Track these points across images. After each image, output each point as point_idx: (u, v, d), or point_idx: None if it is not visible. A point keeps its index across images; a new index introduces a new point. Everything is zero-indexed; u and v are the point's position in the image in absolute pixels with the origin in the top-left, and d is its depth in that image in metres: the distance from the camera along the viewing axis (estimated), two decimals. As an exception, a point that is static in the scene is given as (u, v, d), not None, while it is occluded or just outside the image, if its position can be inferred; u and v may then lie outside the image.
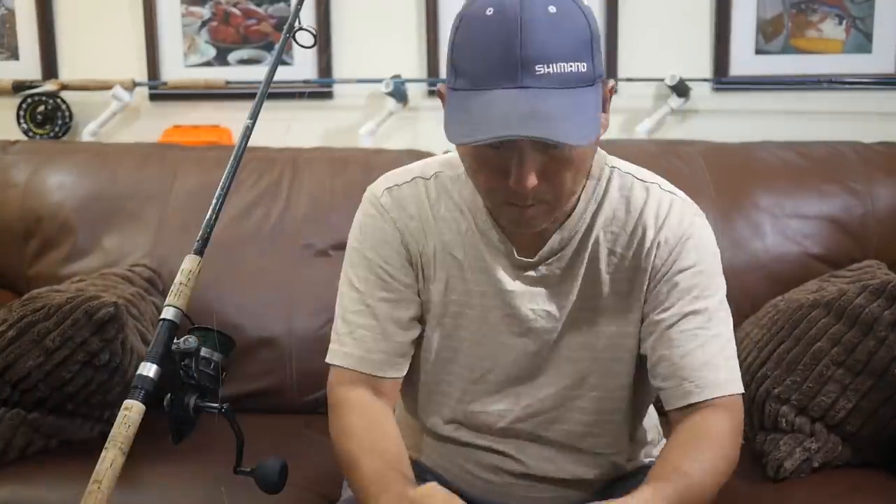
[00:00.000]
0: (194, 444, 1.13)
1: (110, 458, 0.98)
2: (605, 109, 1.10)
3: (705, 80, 2.34)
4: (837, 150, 2.05)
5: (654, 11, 2.35)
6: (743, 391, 1.17)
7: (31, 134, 2.52)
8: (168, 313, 1.08)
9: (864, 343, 1.46)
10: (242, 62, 2.52)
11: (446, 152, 1.31)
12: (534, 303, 1.20)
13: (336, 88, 2.48)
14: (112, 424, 1.01)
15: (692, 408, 1.14)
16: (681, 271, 1.16)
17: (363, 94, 2.46)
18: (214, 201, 1.17)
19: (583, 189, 1.18)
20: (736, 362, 1.18)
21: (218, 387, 1.09)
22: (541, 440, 1.25)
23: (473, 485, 1.30)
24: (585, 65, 1.02)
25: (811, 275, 1.88)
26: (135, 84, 2.50)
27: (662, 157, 1.99)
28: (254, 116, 1.24)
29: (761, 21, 2.32)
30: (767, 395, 1.54)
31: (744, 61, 2.33)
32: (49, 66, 2.58)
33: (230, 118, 2.49)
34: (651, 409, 1.36)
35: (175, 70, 2.53)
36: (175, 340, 1.07)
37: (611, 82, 1.11)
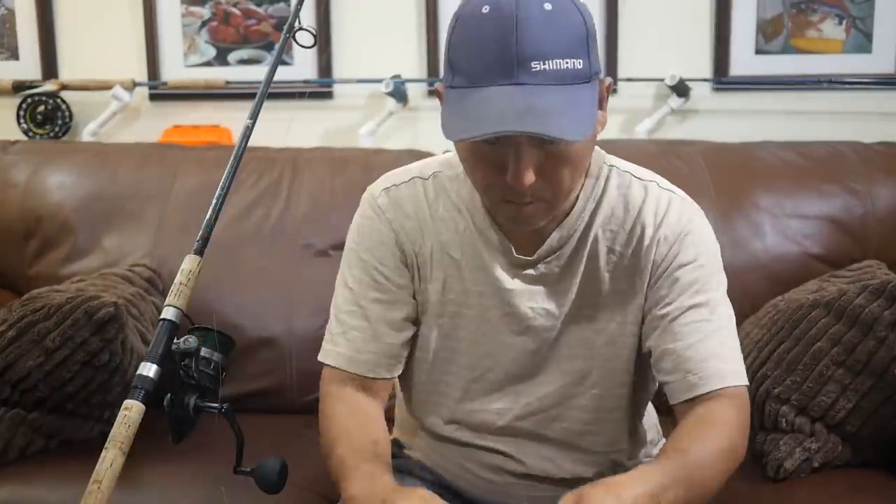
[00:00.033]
0: (194, 444, 1.13)
1: (110, 458, 0.98)
2: (602, 107, 1.10)
3: (705, 80, 2.34)
4: (837, 150, 2.05)
5: (654, 11, 2.35)
6: (748, 384, 1.17)
7: (31, 134, 2.52)
8: (168, 313, 1.08)
9: (864, 343, 1.46)
10: (242, 62, 2.52)
11: (446, 152, 1.31)
12: (533, 301, 1.21)
13: (336, 88, 2.48)
14: (112, 424, 1.01)
15: (697, 399, 1.14)
16: (681, 266, 1.17)
17: (363, 94, 2.46)
18: (214, 201, 1.17)
19: (581, 187, 1.18)
20: (740, 355, 1.18)
21: (218, 387, 1.09)
22: (540, 439, 1.25)
23: (474, 485, 1.30)
24: (581, 62, 1.02)
25: (811, 275, 1.88)
26: (135, 84, 2.50)
27: (662, 157, 1.99)
28: (254, 116, 1.24)
29: (761, 21, 2.32)
30: (767, 395, 1.54)
31: (744, 61, 2.33)
32: (49, 66, 2.58)
33: (230, 118, 2.49)
34: (650, 409, 1.36)
35: (175, 70, 2.53)
36: (175, 340, 1.07)
37: (608, 80, 1.11)
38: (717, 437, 1.11)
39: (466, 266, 1.22)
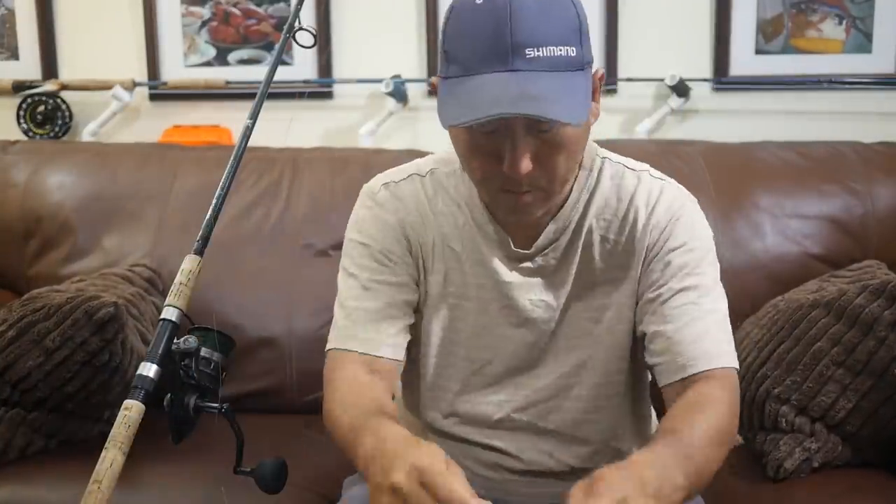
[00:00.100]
0: (194, 444, 1.13)
1: (110, 458, 0.98)
2: (595, 98, 1.11)
3: (705, 80, 2.34)
4: (837, 150, 2.05)
5: (654, 11, 2.35)
6: (738, 367, 1.17)
7: (31, 134, 2.52)
8: (168, 313, 1.08)
9: (864, 343, 1.46)
10: (242, 62, 2.52)
11: (446, 152, 1.32)
12: (531, 293, 1.21)
13: (336, 88, 2.48)
14: (112, 424, 1.01)
15: (687, 381, 1.14)
16: (672, 250, 1.18)
17: (363, 94, 2.46)
18: (214, 201, 1.17)
19: (575, 179, 1.19)
20: (731, 338, 1.18)
21: (218, 387, 1.09)
22: (539, 431, 1.26)
23: (472, 482, 1.29)
24: (574, 49, 1.04)
25: (811, 275, 1.88)
26: (135, 84, 2.50)
27: (662, 157, 1.99)
28: (254, 116, 1.24)
29: (761, 21, 2.32)
30: (767, 395, 1.54)
31: (744, 61, 2.33)
32: (49, 66, 2.58)
33: (230, 118, 2.49)
34: (644, 414, 1.36)
35: (175, 70, 2.53)
36: (175, 340, 1.07)
37: (600, 71, 1.12)
38: (707, 417, 1.09)
39: (467, 259, 1.23)
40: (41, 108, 2.52)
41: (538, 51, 1.01)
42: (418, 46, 2.43)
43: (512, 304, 1.22)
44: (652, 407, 1.37)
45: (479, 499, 0.92)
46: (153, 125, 2.53)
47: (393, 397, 1.29)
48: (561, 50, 1.02)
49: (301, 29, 1.31)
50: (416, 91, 2.43)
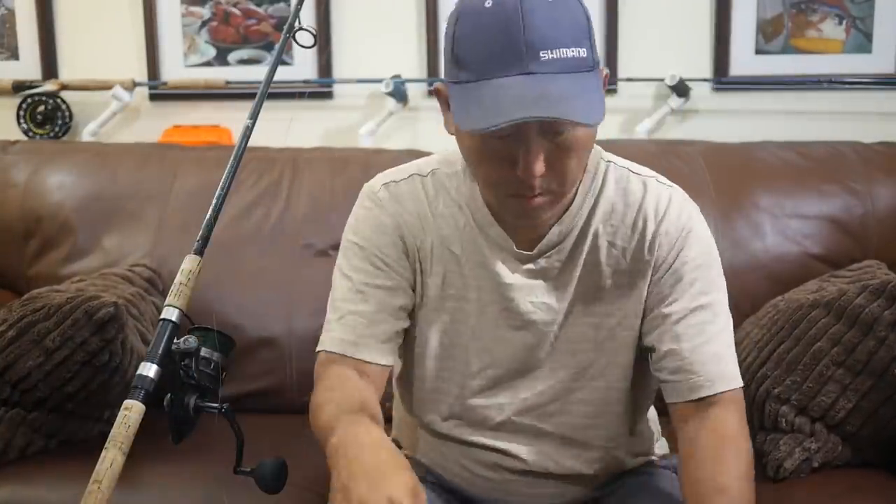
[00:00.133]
0: (194, 444, 1.13)
1: (110, 458, 0.98)
2: None
3: (705, 80, 2.34)
4: (837, 150, 2.05)
5: (654, 11, 2.35)
6: (743, 385, 1.19)
7: (31, 134, 2.52)
8: (168, 313, 1.08)
9: (864, 343, 1.46)
10: (242, 62, 2.52)
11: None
12: (533, 295, 1.21)
13: (336, 88, 2.48)
14: (112, 424, 1.01)
15: (700, 402, 1.15)
16: (684, 264, 1.18)
17: (363, 94, 2.46)
18: (214, 201, 1.17)
19: (580, 182, 1.19)
20: (735, 355, 1.20)
21: (218, 387, 1.09)
22: (539, 434, 1.26)
23: (473, 483, 1.30)
24: (585, 50, 1.04)
25: (811, 275, 1.88)
26: (135, 84, 2.50)
27: (662, 157, 1.99)
28: (254, 116, 1.24)
29: (761, 21, 2.32)
30: (767, 395, 1.54)
31: (744, 61, 2.33)
32: (49, 66, 2.58)
33: (230, 118, 2.49)
34: (646, 417, 1.36)
35: (175, 70, 2.53)
36: (175, 340, 1.07)
37: (605, 70, 1.12)
38: (739, 457, 1.13)
39: (466, 262, 1.22)
40: (41, 108, 2.52)
41: (552, 53, 1.01)
42: (418, 46, 2.43)
43: (512, 306, 1.21)
44: (654, 406, 1.37)
45: None
46: (153, 125, 2.52)
47: (386, 401, 1.29)
48: (573, 51, 1.02)
49: (301, 29, 1.31)
50: (416, 91, 2.43)
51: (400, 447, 1.38)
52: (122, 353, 1.67)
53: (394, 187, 1.25)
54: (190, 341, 1.07)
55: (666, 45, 2.35)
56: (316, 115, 2.48)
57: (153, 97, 2.56)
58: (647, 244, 1.19)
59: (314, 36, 1.32)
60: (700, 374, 1.15)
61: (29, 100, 2.51)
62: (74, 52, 2.59)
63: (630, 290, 1.21)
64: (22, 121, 2.52)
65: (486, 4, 1.03)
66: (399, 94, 2.37)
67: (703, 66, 2.35)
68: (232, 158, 1.19)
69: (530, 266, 1.21)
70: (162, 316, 1.08)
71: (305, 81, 2.44)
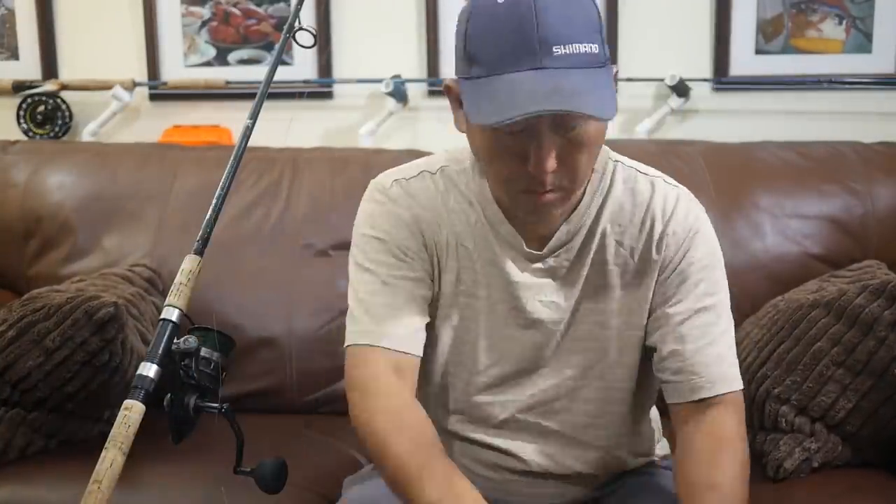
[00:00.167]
0: (194, 444, 1.13)
1: (110, 458, 0.98)
2: None
3: (705, 80, 2.33)
4: (837, 150, 2.05)
5: (654, 11, 2.35)
6: (743, 387, 1.20)
7: (31, 134, 2.52)
8: (168, 313, 1.08)
9: (863, 343, 1.46)
10: (242, 62, 2.52)
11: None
12: (541, 294, 1.21)
13: (336, 88, 2.48)
14: (112, 424, 1.01)
15: (701, 403, 1.16)
16: (691, 264, 1.19)
17: (363, 94, 2.46)
18: (214, 201, 1.17)
19: (588, 181, 1.19)
20: (736, 357, 1.21)
21: (218, 387, 1.09)
22: (542, 433, 1.26)
23: (473, 482, 1.30)
24: (597, 46, 1.05)
25: (811, 275, 1.88)
26: (135, 84, 2.50)
27: (662, 157, 1.99)
28: (254, 116, 1.24)
29: (761, 21, 2.31)
30: (767, 395, 1.54)
31: (744, 61, 2.33)
32: (49, 66, 2.58)
33: (230, 118, 2.49)
34: (649, 417, 1.36)
35: (175, 70, 2.53)
36: (175, 340, 1.07)
37: (615, 67, 1.13)
38: (734, 458, 1.14)
39: (479, 258, 1.22)
40: (41, 108, 2.52)
41: (565, 48, 1.02)
42: (418, 46, 2.43)
43: (520, 305, 1.21)
44: (655, 407, 1.37)
45: None
46: (153, 125, 2.52)
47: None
48: (585, 47, 1.03)
49: (301, 29, 1.31)
50: (416, 91, 2.43)
51: None
52: (122, 353, 1.67)
53: (405, 184, 1.24)
54: (190, 341, 1.07)
55: (666, 45, 2.35)
56: (316, 115, 2.48)
57: (153, 97, 2.56)
58: (654, 244, 1.19)
59: (314, 36, 1.32)
60: (702, 376, 1.16)
61: (29, 100, 2.51)
62: (74, 52, 2.59)
63: (638, 290, 1.21)
64: (22, 121, 2.52)
65: (499, 0, 1.04)
66: (399, 94, 2.37)
67: (703, 66, 2.34)
68: (232, 158, 1.19)
69: (539, 265, 1.21)
70: (162, 316, 1.08)
71: (305, 81, 2.44)
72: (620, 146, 1.35)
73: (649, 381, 1.27)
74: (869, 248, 1.94)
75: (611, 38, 2.34)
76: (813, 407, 1.50)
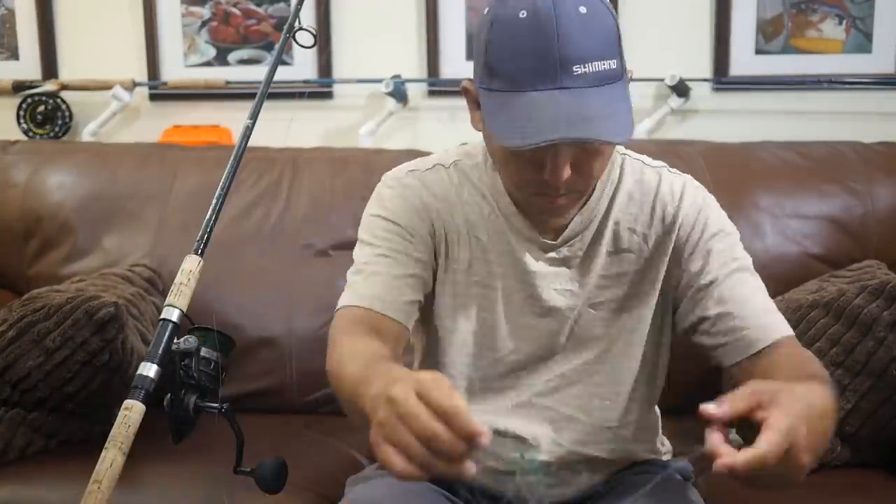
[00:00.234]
0: (194, 444, 1.13)
1: (110, 458, 0.98)
2: None
3: (705, 80, 2.34)
4: (837, 150, 2.05)
5: (654, 11, 2.35)
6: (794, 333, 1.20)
7: (31, 134, 2.52)
8: (168, 313, 1.08)
9: (863, 343, 1.46)
10: (242, 62, 2.52)
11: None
12: (557, 283, 1.24)
13: (336, 88, 2.48)
14: (112, 424, 1.01)
15: (760, 354, 1.16)
16: (711, 238, 1.22)
17: (363, 94, 2.46)
18: (214, 201, 1.17)
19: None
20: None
21: (218, 387, 1.09)
22: (553, 419, 1.26)
23: (483, 469, 1.29)
24: (615, 62, 1.07)
25: (811, 275, 1.88)
26: (135, 84, 2.50)
27: (662, 157, 1.94)
28: (254, 116, 1.24)
29: (761, 21, 2.32)
30: (767, 395, 1.54)
31: (744, 61, 2.33)
32: (49, 66, 2.58)
33: (230, 118, 2.49)
34: (655, 408, 1.36)
35: (175, 70, 2.53)
36: (175, 340, 1.07)
37: (631, 71, 1.14)
38: (817, 370, 1.12)
39: (492, 249, 1.24)
40: (41, 108, 2.52)
41: (584, 67, 1.04)
42: (418, 46, 2.43)
43: (536, 294, 1.23)
44: (657, 406, 1.37)
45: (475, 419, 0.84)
46: (153, 125, 2.53)
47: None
48: (604, 64, 1.05)
49: (301, 29, 1.31)
50: (416, 91, 2.43)
51: None
52: (122, 353, 1.67)
53: (420, 175, 1.26)
54: (190, 341, 1.07)
55: (666, 45, 2.35)
56: (316, 115, 2.48)
57: (153, 97, 2.56)
58: (665, 228, 1.23)
59: (314, 36, 1.33)
60: (753, 329, 1.17)
61: (29, 100, 2.51)
62: (74, 52, 2.59)
63: (650, 274, 1.24)
64: (22, 121, 2.52)
65: (521, 15, 1.05)
66: (399, 94, 2.37)
67: (703, 66, 2.35)
68: (232, 158, 1.20)
69: (553, 254, 1.23)
70: (162, 316, 1.08)
71: (305, 81, 2.44)
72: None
73: (658, 370, 1.30)
74: (869, 248, 1.94)
75: (611, 38, 2.34)
76: (813, 407, 1.50)
